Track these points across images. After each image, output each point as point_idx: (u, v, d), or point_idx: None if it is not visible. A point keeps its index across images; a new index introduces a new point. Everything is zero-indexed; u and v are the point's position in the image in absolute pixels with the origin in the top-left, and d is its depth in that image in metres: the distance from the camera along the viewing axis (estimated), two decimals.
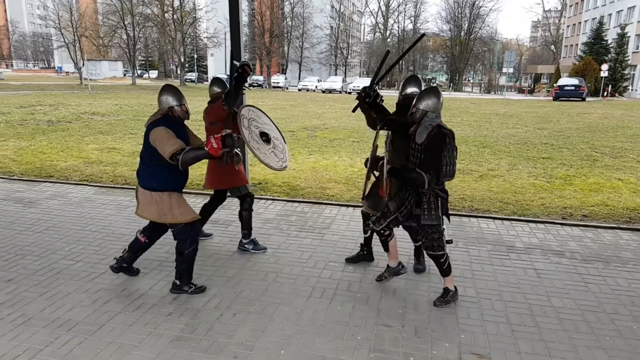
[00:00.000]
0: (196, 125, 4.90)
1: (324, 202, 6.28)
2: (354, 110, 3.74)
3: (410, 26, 74.48)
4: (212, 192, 4.75)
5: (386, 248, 3.77)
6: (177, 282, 3.65)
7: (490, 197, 6.56)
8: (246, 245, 4.53)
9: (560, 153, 10.36)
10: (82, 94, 27.28)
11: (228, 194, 4.66)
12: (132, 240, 3.84)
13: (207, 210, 4.72)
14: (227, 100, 4.03)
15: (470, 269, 4.26)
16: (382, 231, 3.63)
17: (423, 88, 3.62)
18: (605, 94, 37.76)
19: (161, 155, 3.32)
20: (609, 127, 15.60)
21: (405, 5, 72.82)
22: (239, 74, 4.02)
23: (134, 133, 12.14)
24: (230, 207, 5.68)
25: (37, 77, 52.91)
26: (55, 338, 3.03)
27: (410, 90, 3.76)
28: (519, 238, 5.06)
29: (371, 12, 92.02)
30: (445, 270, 3.57)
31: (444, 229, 3.48)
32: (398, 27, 74.97)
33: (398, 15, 74.54)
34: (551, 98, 34.50)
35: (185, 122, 3.66)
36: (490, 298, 3.71)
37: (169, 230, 3.64)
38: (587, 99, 32.77)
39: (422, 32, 73.64)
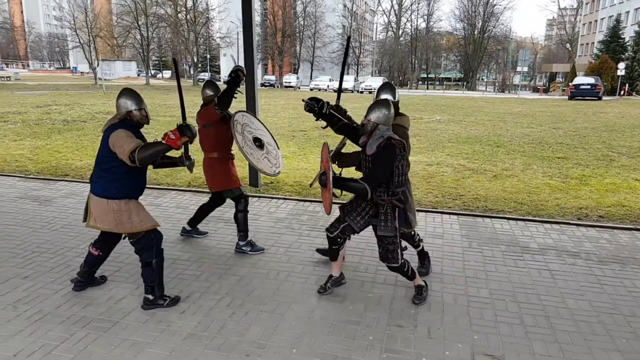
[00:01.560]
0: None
1: (335, 201, 6.26)
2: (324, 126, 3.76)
3: (423, 25, 74.10)
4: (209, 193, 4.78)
5: (334, 257, 3.65)
6: (150, 297, 3.41)
7: (504, 197, 6.50)
8: (243, 248, 4.48)
9: (575, 153, 10.22)
10: (96, 93, 27.61)
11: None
12: (86, 255, 3.67)
13: (204, 211, 4.79)
14: (220, 104, 4.04)
15: (484, 269, 4.22)
16: (337, 239, 3.53)
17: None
18: (622, 92, 37.16)
19: (121, 161, 3.16)
20: (625, 126, 15.35)
21: (418, 3, 72.40)
22: (232, 78, 4.00)
23: (147, 132, 12.14)
24: None
25: (52, 77, 53.69)
26: (70, 334, 3.08)
27: (384, 97, 3.77)
28: (534, 239, 5.00)
29: (384, 10, 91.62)
30: (410, 275, 3.52)
31: (400, 240, 3.41)
32: (411, 25, 74.61)
33: (411, 13, 74.16)
34: (566, 97, 34.06)
35: (177, 119, 3.64)
36: (504, 299, 3.67)
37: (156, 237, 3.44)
38: (604, 98, 32.28)
39: (434, 30, 73.26)
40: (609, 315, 3.46)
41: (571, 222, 5.53)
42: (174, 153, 3.53)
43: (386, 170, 3.22)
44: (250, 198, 6.00)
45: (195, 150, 4.34)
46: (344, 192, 3.42)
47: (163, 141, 3.13)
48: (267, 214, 5.74)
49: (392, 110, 3.33)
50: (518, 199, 6.41)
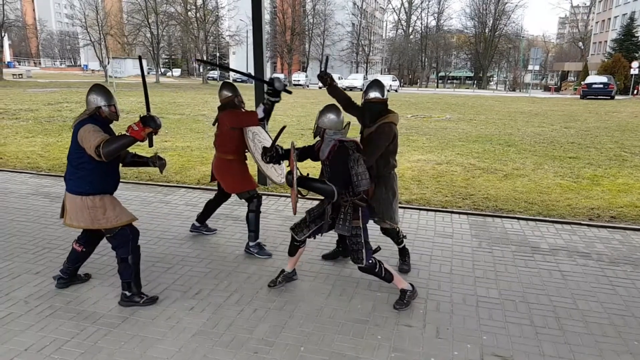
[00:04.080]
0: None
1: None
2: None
3: (433, 22, 73.79)
4: (216, 189, 4.81)
5: (293, 252, 3.69)
6: (127, 293, 3.41)
7: (515, 197, 6.45)
8: (251, 249, 4.46)
9: (587, 152, 10.11)
10: None
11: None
12: (69, 252, 3.65)
13: (211, 206, 4.81)
14: (266, 119, 4.26)
15: (493, 269, 4.19)
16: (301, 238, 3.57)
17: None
18: (635, 92, 36.70)
19: (90, 156, 3.14)
20: (638, 126, 15.16)
21: (429, 1, 72.09)
22: (275, 91, 4.14)
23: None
24: None
25: (63, 75, 54.23)
26: (80, 330, 3.10)
27: (372, 95, 3.77)
28: (544, 239, 4.96)
29: (394, 8, 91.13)
30: (385, 277, 3.46)
31: (367, 241, 3.40)
32: (421, 23, 74.38)
33: (421, 11, 73.91)
34: (578, 96, 33.73)
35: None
36: (513, 299, 3.65)
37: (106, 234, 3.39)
38: (616, 97, 31.96)
39: (445, 28, 72.86)
40: (621, 317, 3.42)
41: (582, 222, 5.47)
42: (146, 152, 3.44)
43: (344, 171, 3.23)
44: None
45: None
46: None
47: (127, 133, 3.12)
48: (275, 212, 5.74)
49: (342, 116, 3.40)
50: (529, 199, 6.36)
